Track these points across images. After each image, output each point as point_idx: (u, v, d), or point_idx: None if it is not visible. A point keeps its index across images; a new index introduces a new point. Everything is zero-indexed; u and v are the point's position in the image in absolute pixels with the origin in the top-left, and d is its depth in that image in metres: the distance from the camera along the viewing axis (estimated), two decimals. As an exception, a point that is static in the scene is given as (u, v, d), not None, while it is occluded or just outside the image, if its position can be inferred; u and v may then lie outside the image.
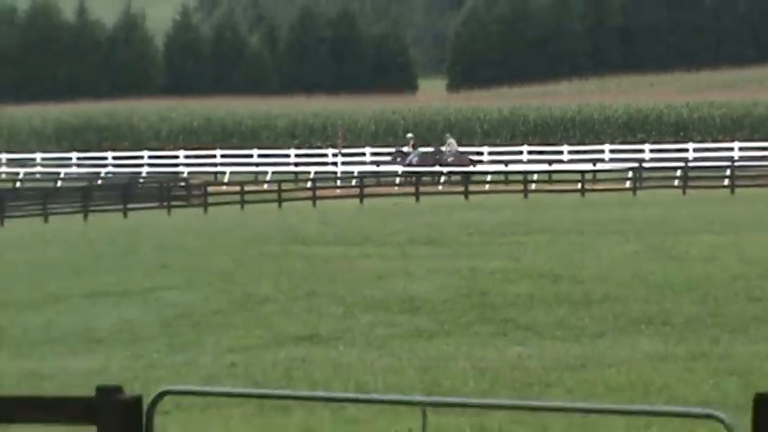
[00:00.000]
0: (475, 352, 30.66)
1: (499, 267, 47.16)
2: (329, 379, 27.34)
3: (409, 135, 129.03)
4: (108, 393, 12.86)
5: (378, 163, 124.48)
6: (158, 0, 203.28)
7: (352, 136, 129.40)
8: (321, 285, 43.70)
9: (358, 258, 53.01)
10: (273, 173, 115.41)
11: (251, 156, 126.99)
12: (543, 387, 26.18)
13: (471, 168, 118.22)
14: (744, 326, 34.49)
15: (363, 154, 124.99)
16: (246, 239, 64.51)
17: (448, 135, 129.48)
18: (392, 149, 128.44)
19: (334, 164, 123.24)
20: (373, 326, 34.79)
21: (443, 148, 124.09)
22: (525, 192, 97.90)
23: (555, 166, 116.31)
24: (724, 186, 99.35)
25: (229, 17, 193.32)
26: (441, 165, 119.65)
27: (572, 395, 24.91)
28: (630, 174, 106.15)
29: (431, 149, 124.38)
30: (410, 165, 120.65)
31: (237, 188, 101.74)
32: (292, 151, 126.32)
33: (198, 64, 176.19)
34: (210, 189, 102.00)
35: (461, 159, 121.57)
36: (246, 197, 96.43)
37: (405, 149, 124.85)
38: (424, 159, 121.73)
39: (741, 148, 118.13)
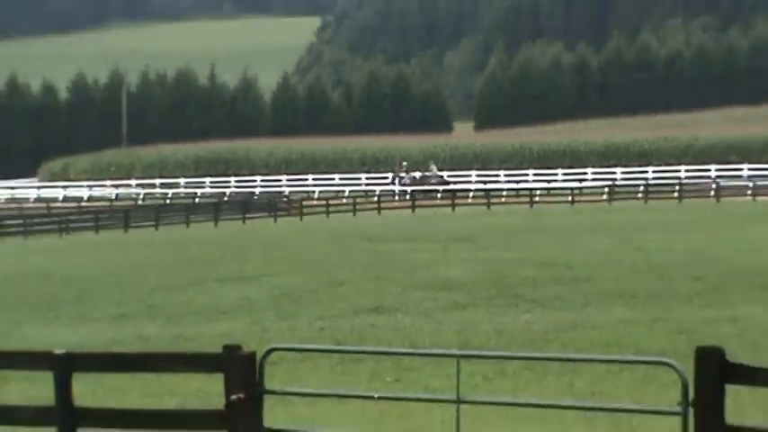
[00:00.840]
0: (495, 318, 30.80)
1: (512, 257, 47.33)
2: (391, 339, 27.51)
3: (404, 163, 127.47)
4: (232, 350, 13.25)
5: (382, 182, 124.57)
6: (266, 68, 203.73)
7: (406, 164, 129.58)
8: (384, 271, 43.80)
9: (411, 251, 53.04)
10: (350, 191, 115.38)
11: (333, 179, 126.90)
12: (544, 343, 26.42)
13: (449, 187, 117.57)
14: (690, 298, 34.45)
15: (414, 177, 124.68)
16: (330, 239, 64.61)
17: (431, 162, 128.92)
18: (390, 174, 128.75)
19: (393, 184, 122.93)
20: (422, 300, 34.93)
21: (428, 173, 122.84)
22: (531, 203, 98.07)
23: (552, 184, 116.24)
24: (674, 198, 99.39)
25: (318, 80, 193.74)
26: (426, 184, 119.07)
27: (565, 349, 25.06)
28: (607, 189, 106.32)
29: (419, 174, 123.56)
30: (404, 184, 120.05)
31: (324, 202, 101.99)
32: (363, 175, 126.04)
33: (295, 114, 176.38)
34: (305, 203, 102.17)
35: (441, 181, 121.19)
36: (330, 208, 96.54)
37: (401, 174, 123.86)
38: (414, 181, 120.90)
39: (686, 170, 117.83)
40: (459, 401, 12.54)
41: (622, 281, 38.67)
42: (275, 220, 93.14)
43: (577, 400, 18.43)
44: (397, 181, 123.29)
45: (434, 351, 23.24)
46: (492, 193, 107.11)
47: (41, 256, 63.63)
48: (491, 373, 22.05)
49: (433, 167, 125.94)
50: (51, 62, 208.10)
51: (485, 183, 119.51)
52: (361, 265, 46.88)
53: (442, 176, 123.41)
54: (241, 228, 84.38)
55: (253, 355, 13.29)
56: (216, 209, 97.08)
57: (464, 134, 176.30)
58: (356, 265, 47.06)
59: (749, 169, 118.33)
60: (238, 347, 13.61)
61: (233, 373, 13.16)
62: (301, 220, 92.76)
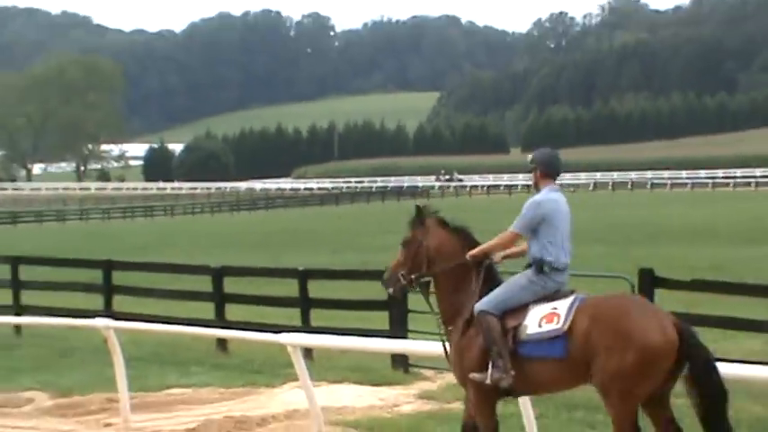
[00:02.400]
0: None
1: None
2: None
3: (442, 171, 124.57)
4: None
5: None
6: (411, 119, 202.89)
7: (443, 171, 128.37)
8: (474, 223, 42.53)
9: (490, 220, 52.31)
10: (471, 186, 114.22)
11: (449, 177, 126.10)
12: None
13: (462, 183, 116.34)
14: (639, 242, 33.77)
15: (445, 177, 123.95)
16: (450, 209, 63.42)
17: (455, 171, 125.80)
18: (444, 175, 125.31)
19: (436, 181, 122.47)
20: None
21: (452, 177, 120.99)
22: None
23: (564, 182, 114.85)
24: (629, 189, 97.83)
25: (438, 126, 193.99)
26: (450, 182, 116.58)
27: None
28: (592, 185, 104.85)
29: (449, 175, 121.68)
30: (440, 181, 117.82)
31: (442, 190, 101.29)
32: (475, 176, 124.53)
33: (425, 144, 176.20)
34: (430, 191, 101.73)
35: (458, 179, 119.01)
36: (444, 193, 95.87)
37: (438, 176, 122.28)
38: (446, 180, 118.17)
39: (636, 175, 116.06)
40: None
41: (597, 232, 37.91)
42: (414, 200, 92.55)
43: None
44: (438, 180, 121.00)
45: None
46: (531, 188, 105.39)
47: (286, 221, 63.73)
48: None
49: (455, 173, 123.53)
50: (297, 116, 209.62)
51: (528, 181, 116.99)
52: (472, 222, 45.95)
53: (460, 179, 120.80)
54: (397, 204, 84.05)
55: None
56: (383, 194, 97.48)
57: (515, 155, 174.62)
58: (468, 222, 46.12)
59: (687, 174, 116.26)
60: (395, 268, 13.06)
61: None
62: (427, 199, 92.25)
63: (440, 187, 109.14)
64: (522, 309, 7.25)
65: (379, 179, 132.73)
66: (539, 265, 7.52)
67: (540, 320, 7.15)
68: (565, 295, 7.28)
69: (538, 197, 8.03)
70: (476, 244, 8.08)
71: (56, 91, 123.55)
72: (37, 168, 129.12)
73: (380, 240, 39.26)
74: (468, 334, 7.30)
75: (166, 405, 11.59)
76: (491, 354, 7.10)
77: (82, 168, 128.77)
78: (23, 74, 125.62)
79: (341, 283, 18.07)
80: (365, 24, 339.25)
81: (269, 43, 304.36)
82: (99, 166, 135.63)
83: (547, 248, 7.61)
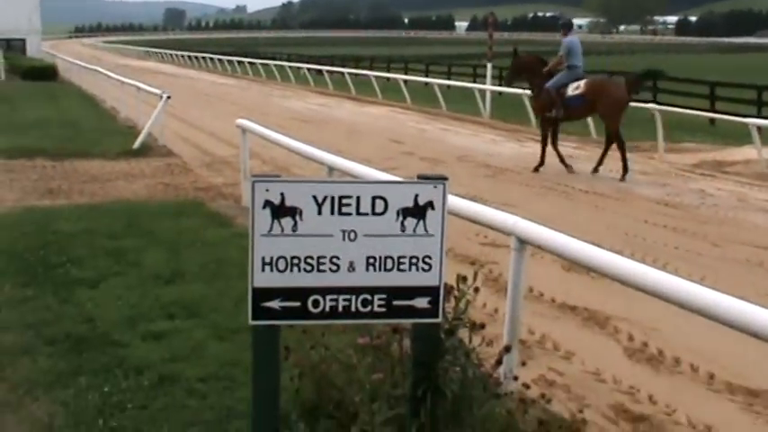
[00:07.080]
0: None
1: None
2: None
3: None
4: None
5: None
6: None
7: None
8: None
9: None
10: None
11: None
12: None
13: None
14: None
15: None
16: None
17: None
18: None
19: None
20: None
21: None
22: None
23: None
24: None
25: None
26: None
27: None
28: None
29: None
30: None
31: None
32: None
33: None
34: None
35: None
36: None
37: None
38: None
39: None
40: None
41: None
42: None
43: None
44: None
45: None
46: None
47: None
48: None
49: None
50: None
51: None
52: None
53: None
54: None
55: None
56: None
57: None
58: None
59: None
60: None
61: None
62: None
63: None
64: (565, 85, 12.71)
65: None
66: (569, 66, 12.74)
67: (573, 89, 12.50)
68: (582, 78, 12.59)
69: (566, 39, 12.53)
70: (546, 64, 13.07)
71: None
72: (621, 28, 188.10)
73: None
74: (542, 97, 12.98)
75: (686, 151, 14.45)
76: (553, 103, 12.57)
77: (643, 28, 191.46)
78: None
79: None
80: None
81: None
82: (651, 27, 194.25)
83: (572, 60, 12.78)
